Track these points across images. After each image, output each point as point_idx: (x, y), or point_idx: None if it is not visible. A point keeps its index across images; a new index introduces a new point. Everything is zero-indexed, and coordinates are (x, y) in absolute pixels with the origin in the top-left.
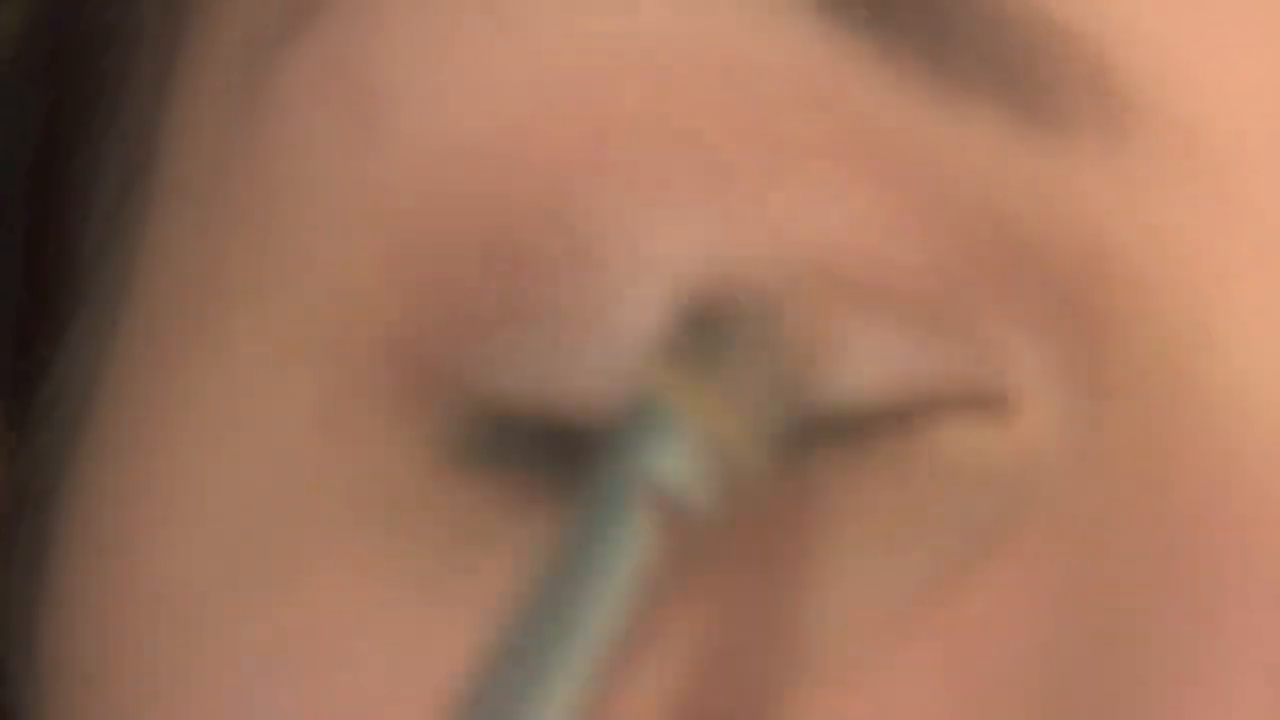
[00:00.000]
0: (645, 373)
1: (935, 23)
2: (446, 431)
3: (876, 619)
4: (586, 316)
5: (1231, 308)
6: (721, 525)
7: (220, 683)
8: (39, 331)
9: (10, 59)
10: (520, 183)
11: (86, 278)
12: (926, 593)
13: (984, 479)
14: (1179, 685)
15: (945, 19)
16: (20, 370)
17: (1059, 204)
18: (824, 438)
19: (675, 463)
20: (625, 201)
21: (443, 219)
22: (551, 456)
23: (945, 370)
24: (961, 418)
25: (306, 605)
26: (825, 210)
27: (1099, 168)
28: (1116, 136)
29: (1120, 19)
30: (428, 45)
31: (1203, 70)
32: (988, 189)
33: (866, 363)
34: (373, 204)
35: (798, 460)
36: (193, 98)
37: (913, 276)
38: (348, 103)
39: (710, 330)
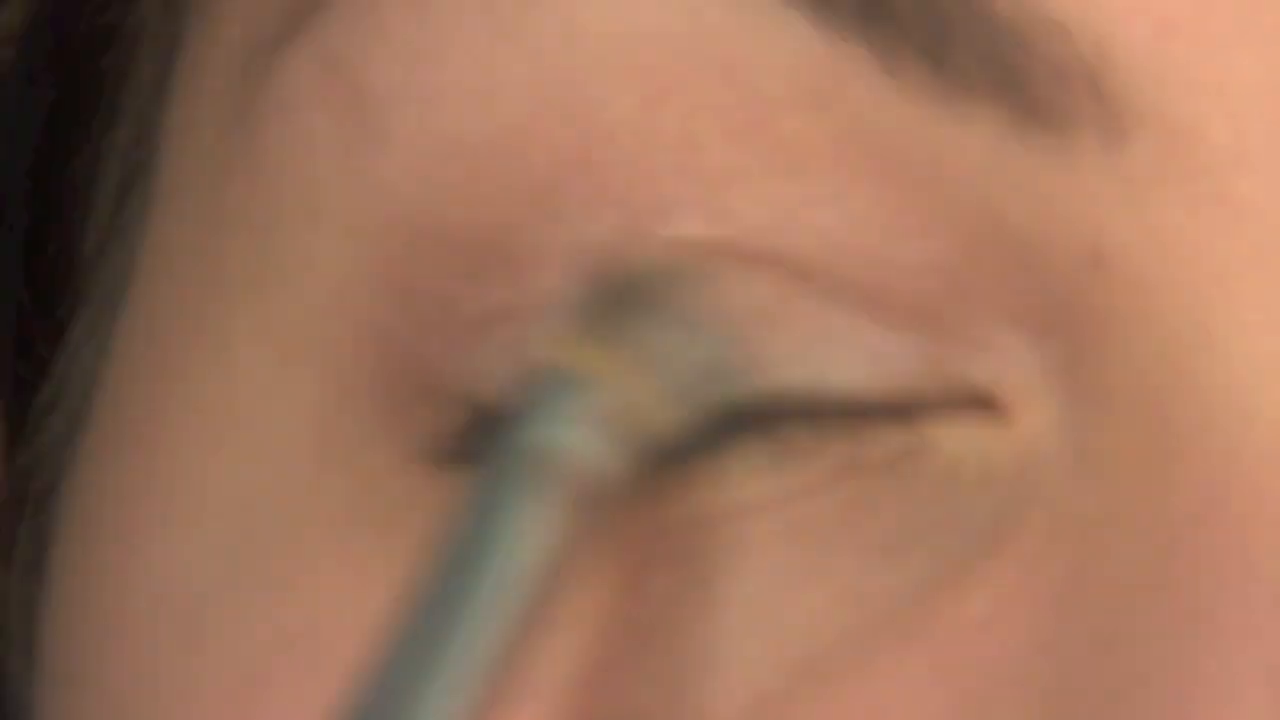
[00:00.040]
0: (551, 343)
1: (934, 23)
2: (444, 432)
3: (876, 619)
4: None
5: (1231, 308)
6: (641, 490)
7: (220, 683)
8: (39, 332)
9: (10, 59)
10: (519, 183)
11: (87, 278)
12: (926, 593)
13: (983, 479)
14: (1179, 685)
15: (944, 19)
16: (20, 370)
17: (1058, 204)
18: (822, 436)
19: (575, 430)
20: (619, 203)
21: (441, 219)
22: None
23: (945, 370)
24: (961, 418)
25: (307, 605)
26: (824, 210)
27: (1098, 168)
28: (1116, 136)
29: (1119, 19)
30: (426, 46)
31: (1202, 70)
32: (987, 189)
33: (866, 363)
34: (371, 204)
35: (794, 458)
36: (193, 98)
37: (912, 277)
38: (347, 103)
39: (622, 299)
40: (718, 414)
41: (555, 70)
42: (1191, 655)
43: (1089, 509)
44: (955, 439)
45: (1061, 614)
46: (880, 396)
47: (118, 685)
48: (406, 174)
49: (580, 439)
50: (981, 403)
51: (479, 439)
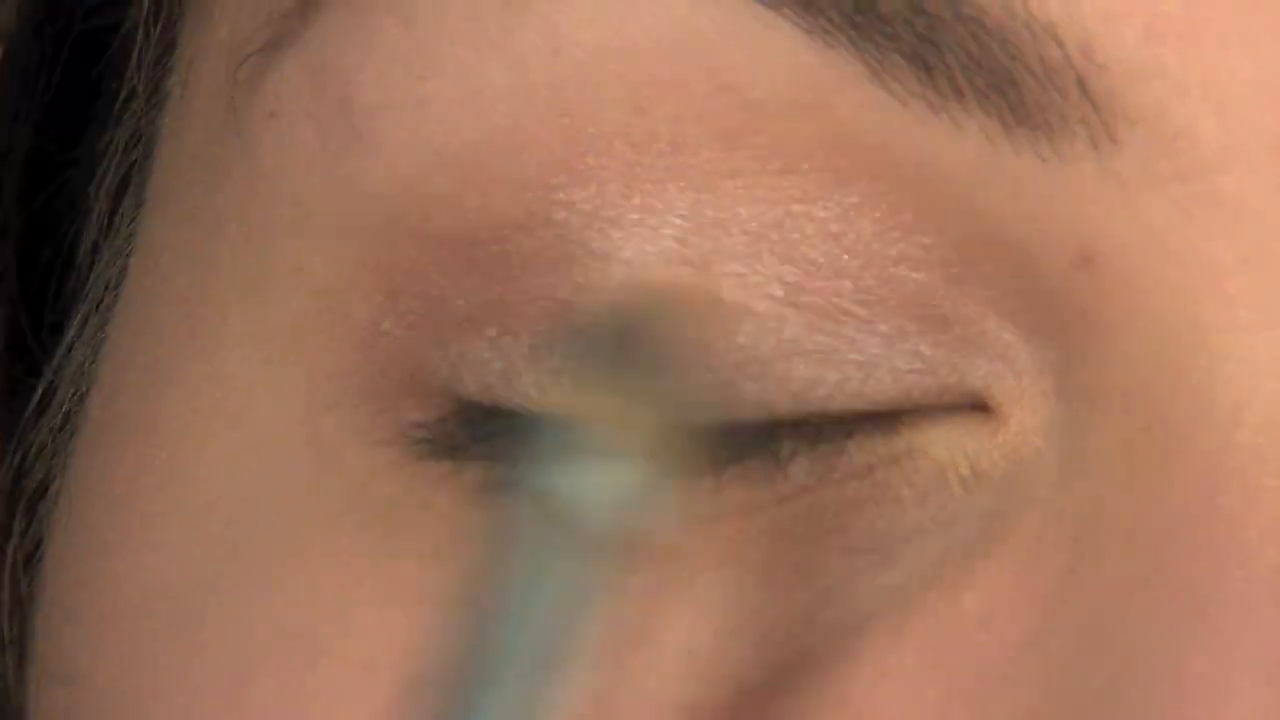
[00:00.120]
0: (547, 392)
1: (922, 29)
2: (430, 430)
3: (870, 619)
4: (568, 320)
5: (1222, 307)
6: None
7: (215, 680)
8: (34, 332)
9: (9, 59)
10: (505, 190)
11: (80, 278)
12: (917, 592)
13: (977, 479)
14: (1172, 683)
15: (933, 25)
16: (15, 370)
17: (1050, 206)
18: (815, 439)
19: (585, 475)
20: (609, 208)
21: (427, 225)
22: (533, 454)
23: (937, 372)
24: (954, 419)
25: (301, 603)
26: (814, 215)
27: (1089, 170)
28: (1107, 139)
29: (1108, 22)
30: (414, 55)
31: (1191, 71)
32: (978, 192)
33: (857, 365)
34: (359, 209)
35: (787, 462)
36: (186, 101)
37: (904, 280)
38: (335, 111)
39: (612, 339)
40: (716, 432)
41: (542, 79)
42: (1185, 653)
43: (1081, 508)
44: (946, 440)
45: (1054, 612)
46: (871, 398)
47: (112, 683)
48: (394, 181)
49: (589, 484)
50: (974, 404)
51: (466, 433)
